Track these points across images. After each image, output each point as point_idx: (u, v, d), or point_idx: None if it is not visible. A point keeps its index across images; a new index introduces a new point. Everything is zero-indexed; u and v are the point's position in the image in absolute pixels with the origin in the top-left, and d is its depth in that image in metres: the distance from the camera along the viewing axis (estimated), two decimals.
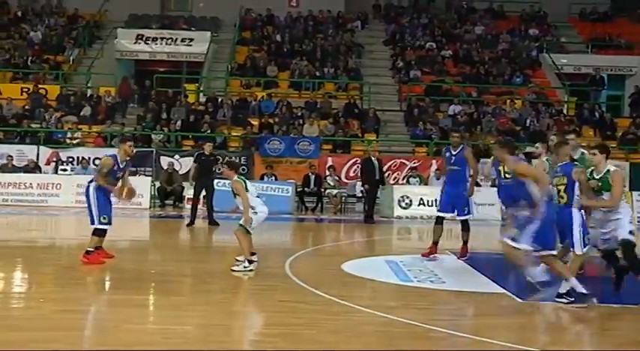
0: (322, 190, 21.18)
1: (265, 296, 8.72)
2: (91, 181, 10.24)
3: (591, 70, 28.99)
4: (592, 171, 8.95)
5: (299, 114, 24.88)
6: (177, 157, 21.81)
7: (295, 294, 8.79)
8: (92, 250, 10.08)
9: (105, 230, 10.14)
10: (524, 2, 32.46)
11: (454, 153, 12.16)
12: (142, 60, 29.40)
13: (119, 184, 10.40)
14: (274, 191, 20.01)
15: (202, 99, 26.57)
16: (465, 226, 12.07)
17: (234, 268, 9.88)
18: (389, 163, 21.89)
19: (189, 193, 20.45)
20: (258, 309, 8.14)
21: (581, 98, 28.01)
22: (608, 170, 8.79)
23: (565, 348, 6.76)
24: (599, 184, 8.81)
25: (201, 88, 27.65)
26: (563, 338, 7.24)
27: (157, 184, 20.90)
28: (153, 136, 23.24)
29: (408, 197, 19.79)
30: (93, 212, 10.04)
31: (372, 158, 18.41)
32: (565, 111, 26.70)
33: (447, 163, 12.47)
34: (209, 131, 23.51)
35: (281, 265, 10.62)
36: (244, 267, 9.81)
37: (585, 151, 10.00)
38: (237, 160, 15.07)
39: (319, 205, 21.11)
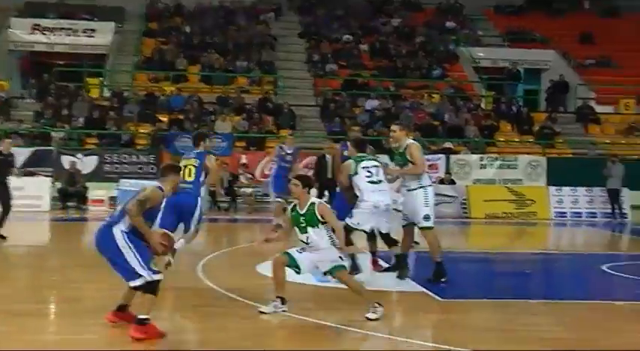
0: (236, 188, 21.05)
1: (176, 300, 8.60)
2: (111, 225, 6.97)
3: (508, 64, 29.74)
4: (397, 148, 9.86)
5: (210, 109, 24.66)
6: (79, 156, 21.28)
7: (207, 297, 8.71)
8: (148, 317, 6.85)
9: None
10: None
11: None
12: (39, 52, 28.56)
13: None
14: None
15: (106, 94, 26.03)
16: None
17: None
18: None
19: (93, 194, 20.10)
20: (168, 314, 8.02)
21: (499, 92, 28.72)
22: (407, 145, 9.71)
23: (485, 347, 6.89)
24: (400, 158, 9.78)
25: (105, 83, 27.08)
26: (480, 336, 7.39)
27: (58, 184, 20.36)
28: (53, 133, 22.62)
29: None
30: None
31: (327, 156, 17.53)
32: (483, 105, 27.32)
33: None
34: (114, 128, 23.05)
35: (192, 267, 10.50)
36: None
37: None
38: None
39: (233, 205, 20.98)
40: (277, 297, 7.82)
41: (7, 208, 13.44)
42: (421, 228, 9.86)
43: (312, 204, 7.81)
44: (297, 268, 7.89)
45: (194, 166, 9.68)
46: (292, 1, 33.25)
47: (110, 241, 6.84)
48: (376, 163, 9.78)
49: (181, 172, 8.46)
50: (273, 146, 19.81)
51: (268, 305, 7.78)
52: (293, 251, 7.90)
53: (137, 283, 6.83)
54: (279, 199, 14.80)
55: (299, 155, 14.91)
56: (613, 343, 7.23)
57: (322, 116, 25.52)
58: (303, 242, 7.85)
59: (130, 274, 6.83)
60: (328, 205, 8.17)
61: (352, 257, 10.06)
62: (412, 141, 9.86)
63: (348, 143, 10.40)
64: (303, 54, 29.50)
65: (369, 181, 9.55)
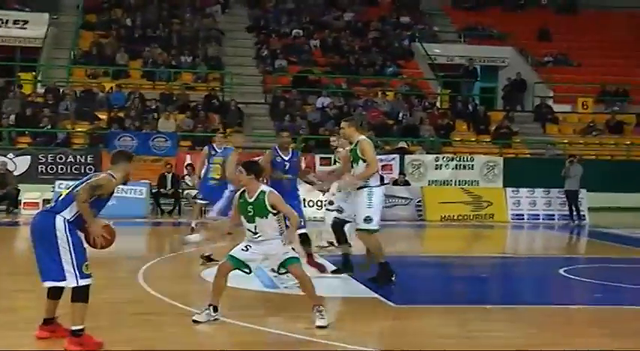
0: (180, 190, 20.89)
1: (115, 309, 8.50)
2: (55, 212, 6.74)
3: (465, 61, 30.09)
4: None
5: (153, 107, 24.45)
6: (10, 155, 20.93)
7: (148, 305, 8.64)
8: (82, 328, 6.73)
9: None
10: None
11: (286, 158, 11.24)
12: None
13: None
14: (126, 193, 19.48)
15: (40, 90, 25.62)
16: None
17: None
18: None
19: (25, 196, 19.77)
20: (108, 323, 7.92)
21: (455, 90, 29.02)
22: (358, 141, 9.86)
23: None
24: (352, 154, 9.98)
25: (39, 78, 26.66)
26: (435, 342, 7.46)
27: None
28: None
29: None
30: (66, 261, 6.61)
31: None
32: (438, 104, 27.57)
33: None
34: (49, 126, 22.73)
35: (133, 274, 10.40)
36: None
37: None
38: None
39: (177, 207, 20.83)
40: (210, 305, 7.75)
41: None
42: (358, 230, 10.00)
43: (262, 192, 7.71)
44: (246, 269, 7.86)
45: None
46: None
47: (50, 229, 6.53)
48: None
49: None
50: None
51: (201, 313, 7.73)
52: (237, 252, 7.84)
53: (56, 284, 6.59)
54: (198, 201, 14.80)
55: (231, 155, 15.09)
56: (574, 347, 7.35)
57: (272, 114, 25.51)
58: (251, 231, 7.79)
59: (56, 272, 6.54)
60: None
61: (346, 257, 10.64)
62: (363, 137, 9.94)
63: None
64: (252, 49, 29.46)
65: None
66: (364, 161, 9.77)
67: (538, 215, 21.26)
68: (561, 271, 11.84)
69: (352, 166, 9.98)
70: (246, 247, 7.81)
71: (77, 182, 6.92)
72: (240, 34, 30.47)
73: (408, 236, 18.53)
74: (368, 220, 9.75)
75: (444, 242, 17.54)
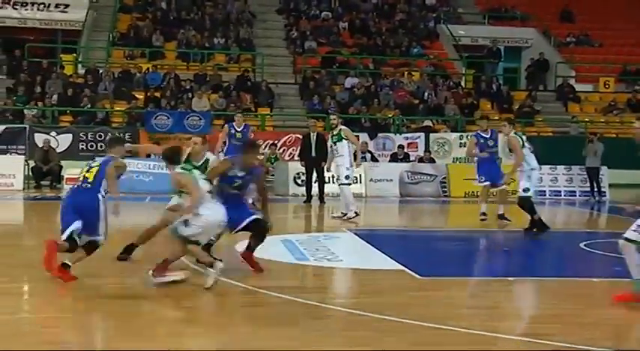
0: None
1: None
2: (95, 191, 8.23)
3: (488, 42, 29.79)
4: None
5: (187, 87, 24.50)
6: (53, 133, 21.10)
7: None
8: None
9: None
10: None
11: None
12: (10, 27, 28.14)
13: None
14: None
15: (81, 71, 25.77)
16: None
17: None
18: (284, 139, 21.92)
19: (67, 172, 19.94)
20: (145, 293, 7.99)
21: (479, 70, 28.77)
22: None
23: (466, 324, 6.95)
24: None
25: (80, 59, 26.81)
26: (460, 313, 7.45)
27: (32, 163, 20.18)
28: (26, 111, 22.40)
29: (304, 174, 19.79)
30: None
31: (311, 134, 18.07)
32: (463, 84, 27.37)
33: None
34: (89, 105, 22.87)
35: None
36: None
37: None
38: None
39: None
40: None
41: None
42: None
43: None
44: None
45: None
46: None
47: (94, 204, 8.16)
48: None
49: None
50: (252, 124, 19.73)
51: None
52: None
53: (93, 238, 8.14)
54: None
55: (250, 133, 15.53)
56: (593, 318, 7.32)
57: (301, 94, 25.48)
58: None
59: (93, 231, 8.16)
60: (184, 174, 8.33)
61: None
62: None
63: None
64: (282, 31, 29.38)
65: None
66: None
67: (560, 191, 21.09)
68: (582, 245, 11.77)
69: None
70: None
71: (94, 164, 8.47)
72: (270, 16, 30.38)
73: (433, 211, 18.47)
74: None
75: (468, 217, 17.41)
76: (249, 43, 27.94)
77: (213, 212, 8.11)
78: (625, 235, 7.67)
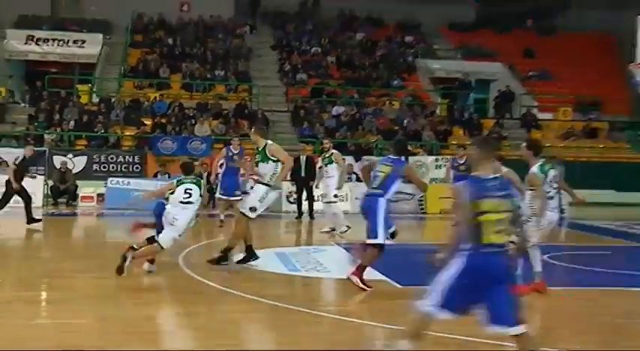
0: (214, 186, 20.88)
1: (160, 288, 8.54)
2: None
3: (460, 75, 29.94)
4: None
5: (191, 114, 24.48)
6: (70, 156, 21.02)
7: (189, 285, 8.66)
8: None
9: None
10: (400, 12, 33.16)
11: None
12: (33, 61, 28.11)
13: None
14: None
15: (95, 100, 25.72)
16: None
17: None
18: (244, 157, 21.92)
19: (82, 191, 19.87)
20: (154, 299, 7.95)
21: (452, 101, 28.88)
22: (266, 144, 9.82)
23: (438, 328, 6.92)
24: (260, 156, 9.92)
25: (94, 90, 26.77)
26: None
27: (50, 182, 20.08)
28: (45, 136, 22.31)
29: (295, 193, 19.76)
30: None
31: (301, 157, 18.15)
32: (438, 112, 27.45)
33: None
34: (102, 131, 22.81)
35: (175, 258, 10.42)
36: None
37: None
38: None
39: (212, 201, 20.82)
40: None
41: (29, 200, 14.60)
42: (241, 213, 9.93)
43: None
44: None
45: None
46: (266, 16, 33.20)
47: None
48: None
49: None
50: (249, 148, 19.62)
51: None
52: None
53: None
54: (223, 197, 15.35)
55: (244, 156, 15.41)
56: (555, 324, 7.32)
57: (293, 121, 25.49)
58: None
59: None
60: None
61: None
62: (271, 142, 9.99)
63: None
64: (276, 65, 29.44)
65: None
66: (274, 161, 9.78)
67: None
68: (545, 257, 11.76)
69: (258, 165, 9.90)
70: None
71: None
72: (265, 51, 30.45)
73: (412, 227, 18.48)
74: (252, 209, 9.77)
75: (443, 232, 17.46)
76: (246, 76, 27.99)
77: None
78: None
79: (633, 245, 14.43)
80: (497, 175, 5.42)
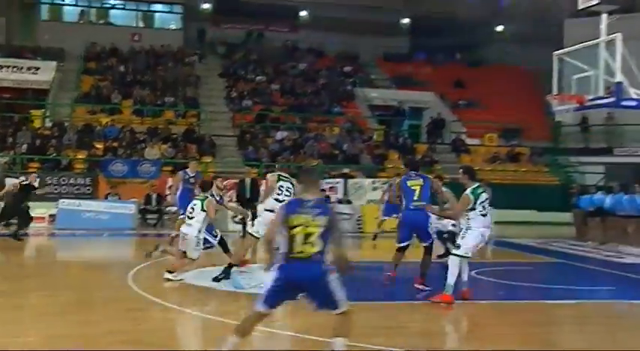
0: (163, 207, 20.69)
1: (110, 306, 8.39)
2: None
3: (396, 103, 30.40)
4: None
5: (141, 138, 24.22)
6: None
7: (137, 303, 8.54)
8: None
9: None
10: (339, 43, 33.57)
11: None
12: None
13: None
14: (118, 209, 19.35)
15: (48, 124, 25.20)
16: None
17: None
18: (224, 183, 21.75)
19: (35, 212, 19.37)
20: (103, 318, 7.81)
21: (388, 127, 29.27)
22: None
23: (377, 340, 7.00)
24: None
25: (47, 114, 26.24)
26: (375, 332, 7.49)
27: (1, 204, 19.50)
28: None
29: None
30: None
31: (246, 179, 18.11)
32: (375, 137, 27.77)
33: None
34: (55, 154, 22.35)
35: (124, 276, 10.27)
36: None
37: None
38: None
39: (160, 221, 20.62)
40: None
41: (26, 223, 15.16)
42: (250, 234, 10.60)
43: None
44: None
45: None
46: (214, 46, 33.18)
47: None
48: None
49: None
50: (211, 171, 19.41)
51: None
52: None
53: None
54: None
55: (200, 178, 15.24)
56: (480, 335, 7.46)
57: (239, 145, 25.44)
58: None
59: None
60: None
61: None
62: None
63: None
64: (223, 92, 29.39)
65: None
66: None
67: (454, 226, 21.37)
68: (473, 273, 11.97)
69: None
70: None
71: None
72: (213, 79, 30.38)
73: (350, 246, 18.57)
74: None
75: (379, 251, 17.59)
76: (194, 102, 27.86)
77: None
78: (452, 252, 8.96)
79: (552, 261, 14.79)
80: (317, 197, 5.82)
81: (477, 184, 9.50)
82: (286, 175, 10.30)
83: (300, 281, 5.65)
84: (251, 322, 5.88)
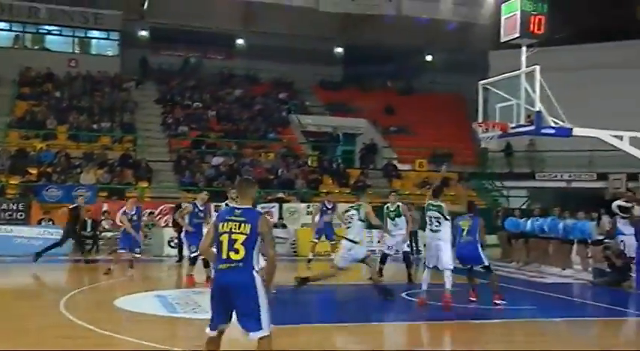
0: (98, 233, 20.21)
1: (42, 333, 8.13)
2: None
3: (330, 129, 30.67)
4: None
5: (77, 163, 23.65)
6: None
7: (69, 330, 8.30)
8: None
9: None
10: (275, 71, 33.74)
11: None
12: None
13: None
14: (52, 235, 18.79)
15: None
16: None
17: None
18: (160, 208, 21.49)
19: None
20: (35, 346, 7.56)
21: (322, 152, 29.46)
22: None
23: None
24: None
25: None
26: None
27: None
28: None
29: (176, 238, 19.43)
30: None
31: (182, 204, 17.92)
32: (309, 163, 27.88)
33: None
34: None
35: (56, 303, 9.98)
36: None
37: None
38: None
39: (95, 246, 20.11)
40: None
41: None
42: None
43: None
44: None
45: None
46: (151, 73, 32.87)
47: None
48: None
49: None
50: (131, 196, 19.14)
51: None
52: None
53: None
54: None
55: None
56: None
57: (175, 170, 25.14)
58: None
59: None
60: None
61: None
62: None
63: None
64: (160, 117, 29.07)
65: None
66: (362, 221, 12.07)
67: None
68: (404, 294, 12.12)
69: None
70: None
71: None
72: (150, 105, 30.00)
73: (285, 269, 18.50)
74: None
75: (313, 273, 17.59)
76: (131, 127, 27.45)
77: None
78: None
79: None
80: (247, 207, 5.93)
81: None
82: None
83: (226, 285, 5.69)
84: (209, 347, 5.88)
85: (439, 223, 10.84)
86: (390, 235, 14.05)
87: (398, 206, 14.26)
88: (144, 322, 8.91)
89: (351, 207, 12.02)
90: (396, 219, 14.13)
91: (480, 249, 10.97)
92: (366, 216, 11.58)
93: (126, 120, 27.62)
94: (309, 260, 17.07)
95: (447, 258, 10.73)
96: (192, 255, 13.28)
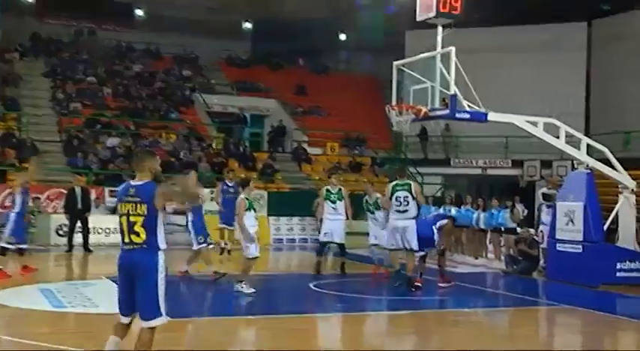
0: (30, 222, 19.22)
1: None
2: None
3: (237, 110, 30.41)
4: None
5: None
6: None
7: None
8: None
9: None
10: (177, 45, 33.09)
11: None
12: None
13: None
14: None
15: None
16: None
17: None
18: (47, 192, 20.72)
19: None
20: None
21: (228, 134, 29.19)
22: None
23: None
24: None
25: None
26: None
27: None
28: None
29: (66, 225, 18.82)
30: None
31: (76, 188, 17.47)
32: (214, 145, 27.59)
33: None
34: None
35: None
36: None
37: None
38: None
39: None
40: None
41: None
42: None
43: None
44: None
45: None
46: (39, 43, 31.53)
47: None
48: None
49: None
50: (14, 179, 18.38)
51: None
52: None
53: None
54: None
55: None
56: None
57: (65, 151, 24.27)
58: None
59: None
60: None
61: None
62: None
63: None
64: (48, 92, 27.96)
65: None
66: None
67: (294, 239, 21.82)
68: (311, 285, 12.21)
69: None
70: None
71: None
72: (37, 78, 28.78)
73: (184, 258, 18.26)
74: None
75: (216, 264, 17.45)
76: (15, 103, 26.28)
77: None
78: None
79: (388, 271, 15.34)
80: (143, 182, 5.78)
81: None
82: None
83: (128, 264, 5.67)
84: (117, 333, 5.86)
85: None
86: (329, 221, 14.00)
87: (340, 189, 14.13)
88: (23, 317, 8.58)
89: (397, 187, 11.71)
90: (337, 202, 14.02)
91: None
92: (415, 194, 11.54)
93: (9, 94, 26.42)
94: (228, 251, 16.59)
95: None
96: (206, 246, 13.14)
